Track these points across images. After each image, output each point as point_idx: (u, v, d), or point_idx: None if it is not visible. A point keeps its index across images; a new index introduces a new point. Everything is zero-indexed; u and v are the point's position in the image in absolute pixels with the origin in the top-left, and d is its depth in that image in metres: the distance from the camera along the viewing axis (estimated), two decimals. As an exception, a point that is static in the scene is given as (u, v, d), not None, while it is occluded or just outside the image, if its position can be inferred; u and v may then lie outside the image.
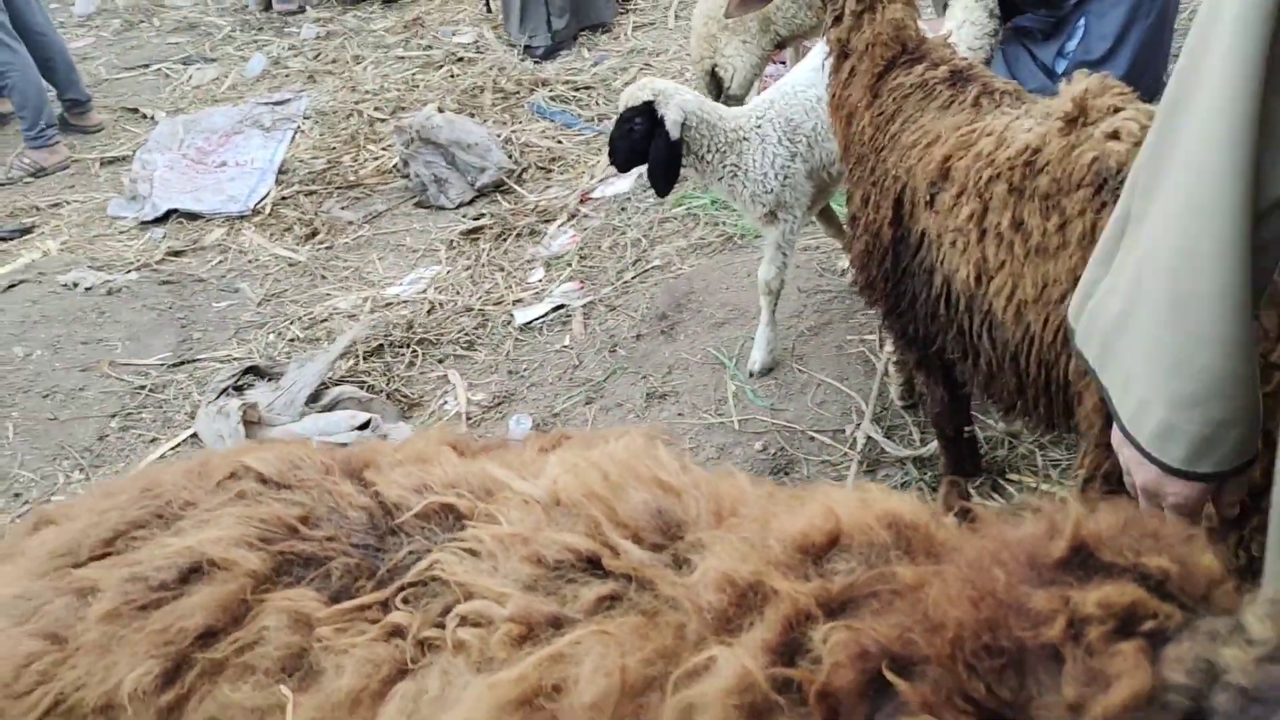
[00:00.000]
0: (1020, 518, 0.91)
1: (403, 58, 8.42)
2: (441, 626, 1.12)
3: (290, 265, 5.96)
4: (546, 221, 5.97)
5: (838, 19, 2.78)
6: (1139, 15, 3.75)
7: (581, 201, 6.09)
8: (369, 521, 1.27)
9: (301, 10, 9.68)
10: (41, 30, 7.27)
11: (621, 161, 3.62)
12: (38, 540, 1.43)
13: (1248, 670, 0.68)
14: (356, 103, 7.65)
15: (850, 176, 2.83)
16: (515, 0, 8.14)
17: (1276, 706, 0.66)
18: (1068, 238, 2.08)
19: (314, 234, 6.23)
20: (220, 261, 6.07)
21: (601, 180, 6.24)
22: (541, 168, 6.58)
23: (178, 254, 6.18)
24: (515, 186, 6.37)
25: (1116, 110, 2.14)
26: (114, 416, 4.72)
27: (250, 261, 6.03)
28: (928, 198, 2.46)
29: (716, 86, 5.88)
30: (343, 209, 6.47)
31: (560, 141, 6.85)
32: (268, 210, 6.54)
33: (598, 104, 7.26)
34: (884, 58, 2.70)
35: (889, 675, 0.86)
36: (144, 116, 8.04)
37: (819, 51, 3.69)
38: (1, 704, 1.26)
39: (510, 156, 6.54)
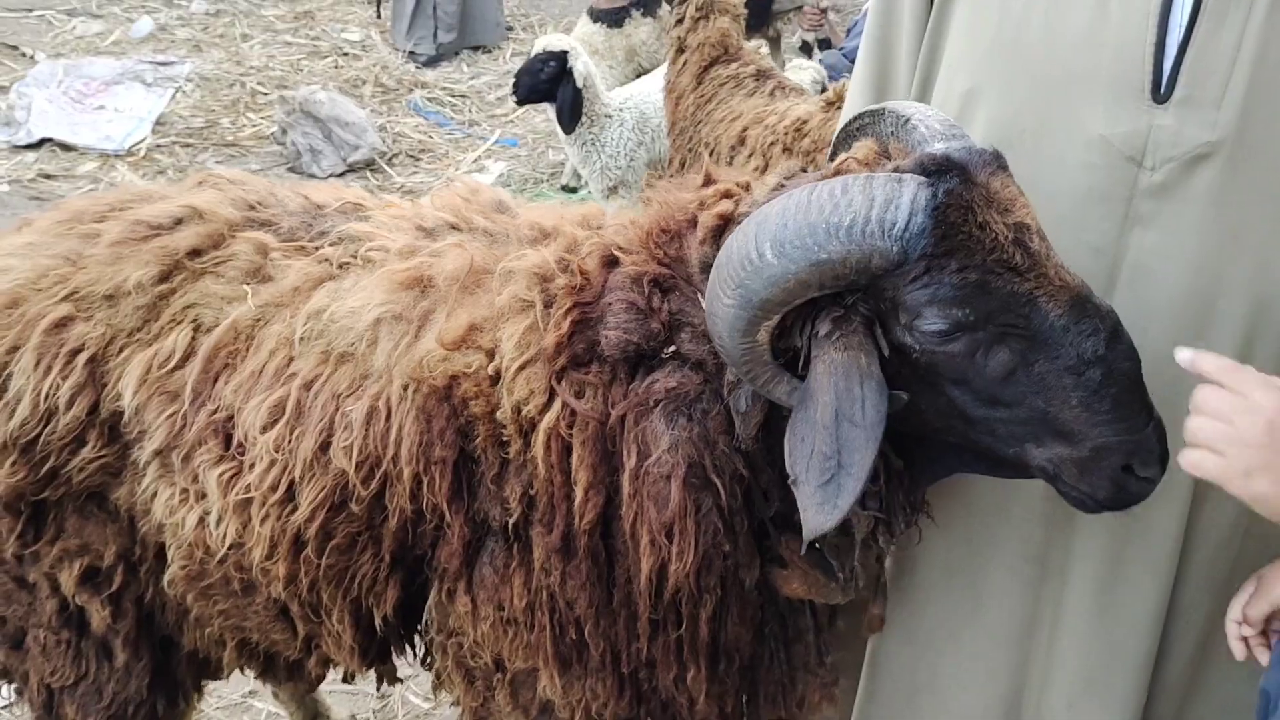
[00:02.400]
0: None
1: (290, 43, 8.89)
2: (355, 256, 1.73)
3: (160, 203, 6.33)
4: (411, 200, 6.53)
5: (679, 21, 3.55)
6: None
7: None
8: (303, 207, 1.87)
9: (194, -14, 10.02)
10: (-63, -49, 7.46)
11: (524, 94, 4.33)
12: (39, 218, 1.95)
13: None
14: (241, 75, 8.06)
15: (673, 145, 3.57)
16: (406, 9, 8.77)
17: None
18: (817, 183, 2.84)
19: (187, 180, 6.60)
20: (91, 189, 6.37)
21: (467, 173, 6.87)
22: (411, 156, 7.16)
23: (49, 177, 6.46)
24: (385, 167, 6.92)
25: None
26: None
27: (121, 194, 6.36)
28: (729, 159, 3.20)
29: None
30: (217, 163, 6.87)
31: (431, 136, 7.45)
32: (142, 154, 6.89)
33: (470, 111, 7.92)
34: (710, 55, 3.46)
35: (616, 253, 1.54)
36: (24, 55, 8.22)
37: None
38: (27, 294, 1.79)
39: (384, 141, 7.10)
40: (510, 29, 9.48)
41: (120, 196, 1.94)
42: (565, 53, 4.25)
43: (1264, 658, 1.49)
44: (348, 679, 2.34)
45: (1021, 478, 1.49)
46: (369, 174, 6.85)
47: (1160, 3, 1.46)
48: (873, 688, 2.02)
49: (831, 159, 1.65)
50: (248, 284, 1.74)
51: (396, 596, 1.74)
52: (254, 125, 7.37)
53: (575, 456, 1.50)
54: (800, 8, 6.82)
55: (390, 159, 7.02)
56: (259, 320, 1.73)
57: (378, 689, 2.15)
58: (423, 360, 1.58)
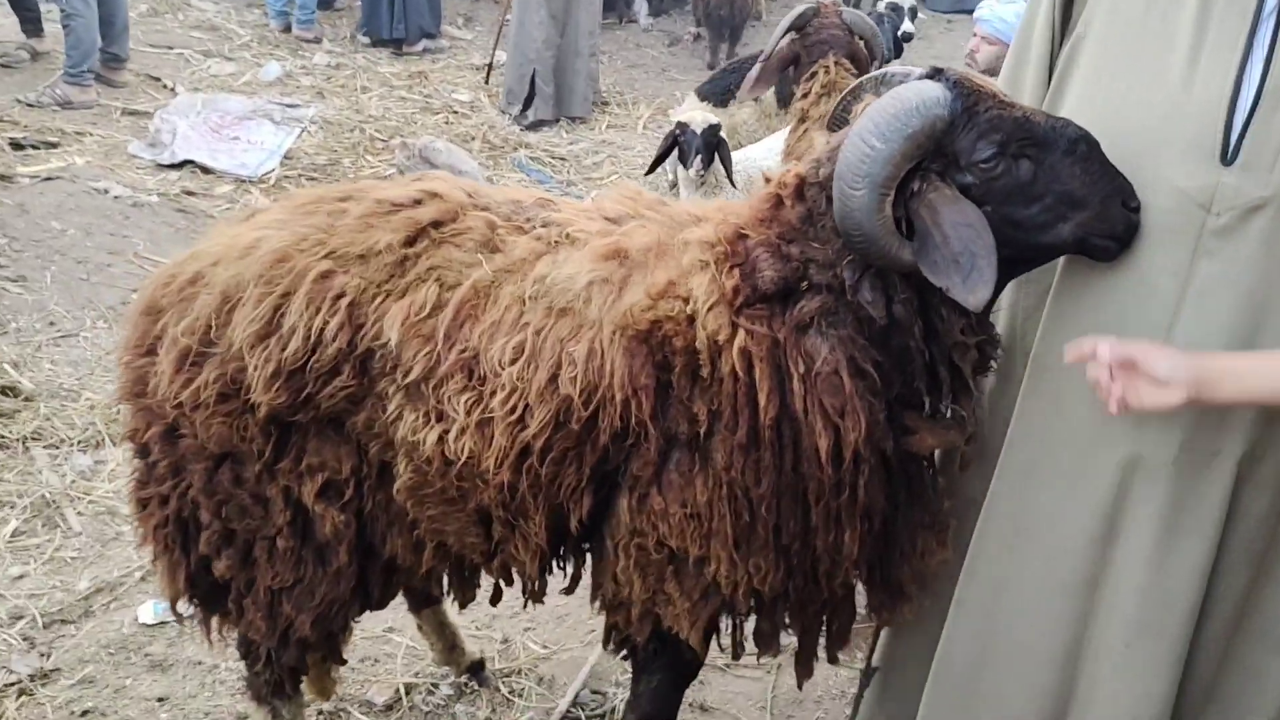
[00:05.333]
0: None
1: (405, 99, 9.59)
2: (564, 236, 2.24)
3: (289, 226, 6.93)
4: (513, 246, 7.11)
5: (805, 95, 4.10)
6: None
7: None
8: (507, 199, 2.37)
9: (318, 41, 10.82)
10: (114, -10, 8.27)
11: (709, 157, 5.12)
12: (269, 208, 2.45)
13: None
14: (360, 121, 8.74)
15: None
16: (510, 79, 9.51)
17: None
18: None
19: (312, 208, 7.22)
20: (228, 208, 7.00)
21: (564, 226, 7.45)
22: (514, 207, 7.75)
23: (191, 194, 7.09)
24: (491, 214, 7.51)
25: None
26: (134, 291, 5.57)
27: (255, 215, 6.97)
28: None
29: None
30: (339, 197, 7.49)
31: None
32: (272, 182, 7.53)
33: (568, 173, 8.55)
34: (829, 126, 3.99)
35: (742, 232, 2.11)
36: (165, 86, 8.95)
37: (775, 137, 5.05)
38: (293, 253, 2.24)
39: (490, 191, 7.70)
40: (606, 103, 10.17)
41: (346, 188, 2.43)
42: (719, 124, 4.98)
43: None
44: (494, 601, 2.78)
45: (1056, 256, 2.12)
46: (476, 219, 7.43)
47: (1232, 87, 1.95)
48: (949, 645, 2.43)
49: (832, 128, 2.33)
50: (480, 253, 2.22)
51: (590, 503, 2.20)
52: (372, 168, 8.01)
53: (757, 370, 2.01)
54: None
55: (495, 208, 7.61)
56: (494, 282, 2.20)
57: (525, 606, 2.59)
58: (627, 311, 2.08)
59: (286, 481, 2.32)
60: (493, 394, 2.14)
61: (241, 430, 2.27)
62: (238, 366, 2.22)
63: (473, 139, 8.71)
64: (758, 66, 4.27)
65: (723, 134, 5.10)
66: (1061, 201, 1.95)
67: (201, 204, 6.97)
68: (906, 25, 7.14)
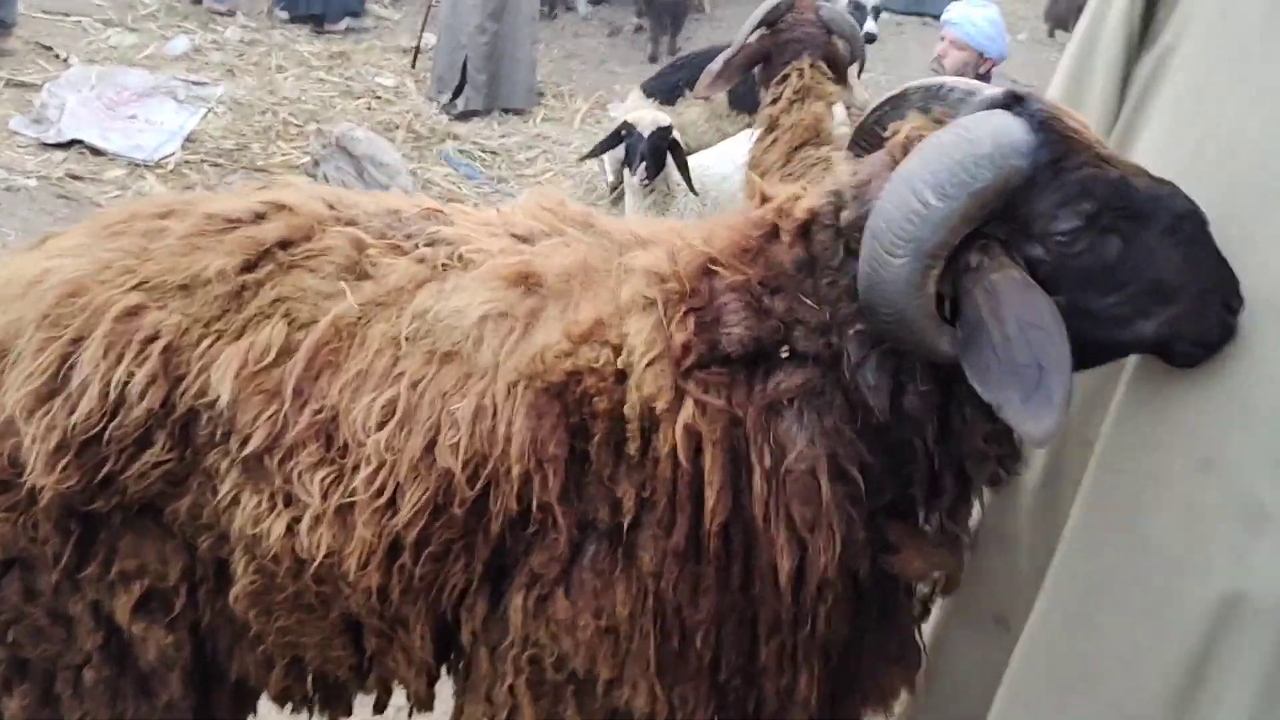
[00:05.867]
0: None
1: (324, 80, 8.92)
2: (454, 258, 1.72)
3: (187, 218, 6.26)
4: (437, 247, 6.53)
5: (774, 101, 3.61)
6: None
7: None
8: (381, 210, 1.84)
9: (231, 14, 10.06)
10: (-9, -54, 7.46)
11: (660, 163, 4.55)
12: (81, 225, 1.89)
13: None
14: (274, 104, 8.07)
15: (754, 219, 3.61)
16: (440, 65, 8.89)
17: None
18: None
19: (215, 199, 6.55)
20: (118, 196, 6.31)
21: (494, 227, 6.89)
22: (439, 204, 7.17)
23: (77, 178, 6.39)
24: (414, 211, 6.92)
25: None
26: None
27: (148, 204, 6.29)
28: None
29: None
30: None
31: (459, 187, 7.48)
32: (170, 167, 6.84)
33: (500, 168, 7.97)
34: (802, 137, 3.52)
35: (712, 265, 1.61)
36: (58, 57, 8.17)
37: (732, 142, 4.57)
38: (90, 285, 1.71)
39: (414, 186, 7.10)
40: (542, 95, 9.59)
41: (168, 201, 1.91)
42: (670, 126, 4.46)
43: None
44: (379, 710, 2.23)
45: (1121, 356, 1.65)
46: (397, 216, 6.84)
47: None
48: None
49: (857, 149, 1.82)
50: (344, 280, 1.71)
51: (486, 609, 1.69)
52: (284, 154, 7.35)
53: (708, 456, 1.53)
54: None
55: (419, 204, 7.03)
56: (361, 319, 1.69)
57: (410, 715, 2.06)
58: (538, 356, 1.58)
59: (95, 594, 1.78)
60: (355, 469, 1.63)
61: (30, 528, 1.73)
62: (16, 443, 1.69)
63: (396, 128, 8.09)
64: (720, 60, 3.75)
65: (675, 135, 4.59)
66: (1148, 292, 1.50)
67: (88, 190, 6.28)
68: (870, 26, 6.73)
